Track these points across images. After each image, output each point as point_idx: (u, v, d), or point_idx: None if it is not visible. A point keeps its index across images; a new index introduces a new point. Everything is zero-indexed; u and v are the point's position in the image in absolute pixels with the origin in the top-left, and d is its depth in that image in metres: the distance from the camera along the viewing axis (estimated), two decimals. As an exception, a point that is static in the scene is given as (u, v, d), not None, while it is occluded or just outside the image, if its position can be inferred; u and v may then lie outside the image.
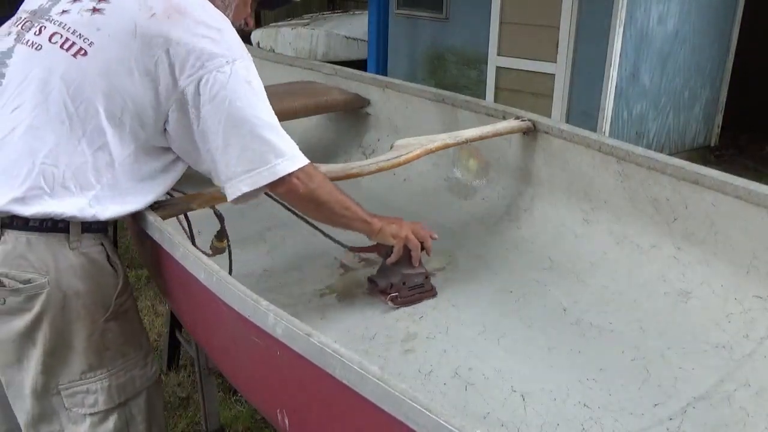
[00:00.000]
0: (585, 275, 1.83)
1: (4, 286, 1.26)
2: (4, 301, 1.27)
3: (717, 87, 5.16)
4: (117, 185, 1.34)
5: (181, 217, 1.60)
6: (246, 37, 1.86)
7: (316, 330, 1.04)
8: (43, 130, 1.27)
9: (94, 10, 1.32)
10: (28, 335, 1.31)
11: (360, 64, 5.39)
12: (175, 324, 2.29)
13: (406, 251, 1.69)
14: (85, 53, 1.30)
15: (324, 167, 1.66)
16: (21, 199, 1.25)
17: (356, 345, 1.58)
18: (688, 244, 1.71)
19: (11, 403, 1.39)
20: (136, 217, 1.44)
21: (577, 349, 1.57)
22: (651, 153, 1.78)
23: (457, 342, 1.60)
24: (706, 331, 1.56)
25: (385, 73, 5.42)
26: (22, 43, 1.35)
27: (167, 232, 1.36)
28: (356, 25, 7.04)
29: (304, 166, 1.41)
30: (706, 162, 5.03)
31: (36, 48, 1.33)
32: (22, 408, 1.37)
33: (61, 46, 1.31)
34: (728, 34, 5.00)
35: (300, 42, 6.99)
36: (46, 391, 1.35)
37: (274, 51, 6.74)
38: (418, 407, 0.87)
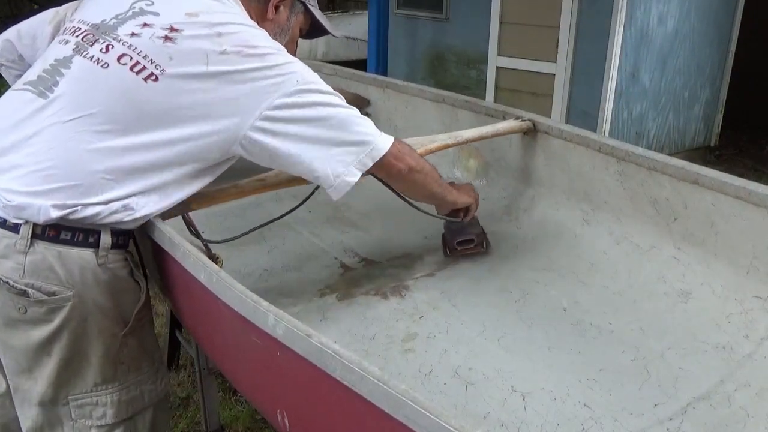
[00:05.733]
0: (585, 275, 1.83)
1: (29, 296, 1.26)
2: (26, 310, 1.27)
3: (717, 87, 5.16)
4: (157, 199, 1.36)
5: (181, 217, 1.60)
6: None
7: (316, 330, 1.04)
8: (105, 148, 1.28)
9: (167, 38, 1.32)
10: (44, 346, 1.30)
11: (360, 64, 5.39)
12: (175, 324, 2.29)
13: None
14: (156, 79, 1.29)
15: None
16: (72, 208, 1.26)
17: (356, 345, 1.58)
18: (688, 245, 1.71)
19: (16, 408, 1.39)
20: None
21: (577, 349, 1.57)
22: (651, 153, 1.78)
23: (457, 342, 1.60)
24: (706, 332, 1.56)
25: (385, 73, 5.42)
26: (83, 56, 1.34)
27: (167, 232, 1.36)
28: (356, 25, 7.04)
29: (394, 141, 1.51)
30: (706, 162, 5.03)
31: (102, 65, 1.32)
32: (27, 415, 1.36)
33: (131, 69, 1.30)
34: (728, 34, 5.00)
35: (300, 41, 6.98)
36: (54, 401, 1.35)
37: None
38: (418, 408, 0.87)
